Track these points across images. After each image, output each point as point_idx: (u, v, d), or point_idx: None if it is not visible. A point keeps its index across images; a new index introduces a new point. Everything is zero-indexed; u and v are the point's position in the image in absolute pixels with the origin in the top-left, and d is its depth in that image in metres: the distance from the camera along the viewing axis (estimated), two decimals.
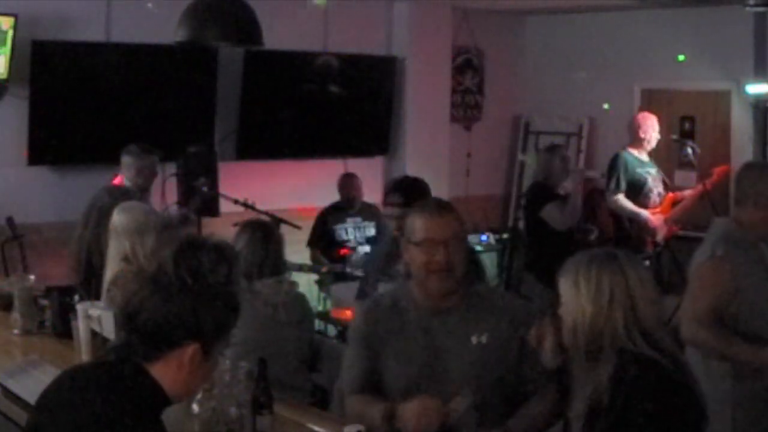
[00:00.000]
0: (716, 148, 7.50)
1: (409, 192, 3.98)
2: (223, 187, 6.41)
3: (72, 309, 3.71)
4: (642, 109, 7.66)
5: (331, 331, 5.66)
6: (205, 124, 6.77)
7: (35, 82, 5.95)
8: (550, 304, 2.58)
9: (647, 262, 6.11)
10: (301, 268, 6.23)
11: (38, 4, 5.94)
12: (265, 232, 4.12)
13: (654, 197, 6.53)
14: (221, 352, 2.20)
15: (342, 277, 6.17)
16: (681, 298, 3.67)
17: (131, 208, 3.95)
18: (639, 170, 6.51)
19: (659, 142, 6.70)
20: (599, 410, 2.31)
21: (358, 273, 5.58)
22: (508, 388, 2.94)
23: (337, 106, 7.38)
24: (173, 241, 3.46)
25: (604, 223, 7.36)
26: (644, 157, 6.60)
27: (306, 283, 6.04)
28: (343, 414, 3.09)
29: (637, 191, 6.48)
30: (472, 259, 3.99)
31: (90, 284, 4.17)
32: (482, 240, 7.87)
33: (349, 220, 6.99)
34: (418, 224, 2.91)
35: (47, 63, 5.99)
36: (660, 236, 6.45)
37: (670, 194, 6.63)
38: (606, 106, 8.29)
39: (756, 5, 5.43)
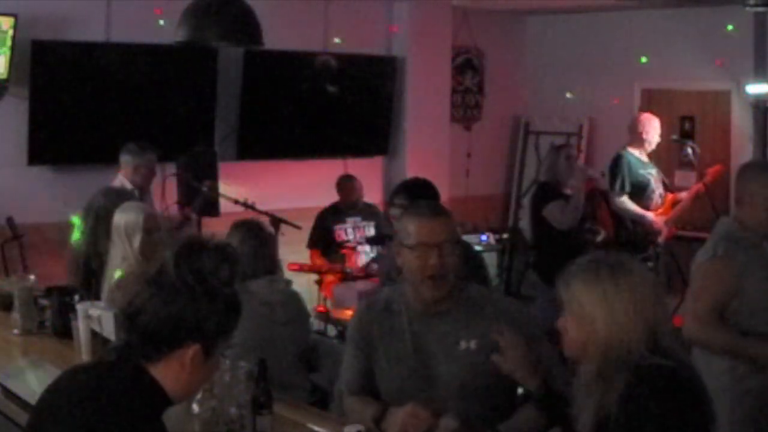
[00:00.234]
0: (716, 148, 7.50)
1: (414, 193, 3.92)
2: (224, 187, 6.41)
3: (72, 309, 3.70)
4: (642, 109, 7.66)
5: (331, 331, 5.66)
6: (205, 124, 6.77)
7: (35, 82, 5.94)
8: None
9: (649, 263, 6.09)
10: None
11: (38, 4, 5.93)
12: (257, 231, 4.09)
13: (656, 198, 6.50)
14: (222, 353, 2.20)
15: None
16: (681, 298, 3.68)
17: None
18: (642, 171, 6.47)
19: (659, 143, 6.69)
20: (607, 422, 2.26)
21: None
22: (498, 397, 2.87)
23: (337, 106, 7.38)
24: (173, 242, 3.47)
25: (604, 224, 7.34)
26: (645, 157, 6.58)
27: (306, 283, 6.05)
28: (343, 414, 3.09)
29: (640, 192, 6.43)
30: (476, 261, 3.98)
31: (90, 285, 4.18)
32: (482, 240, 7.86)
33: (348, 220, 6.98)
34: (411, 228, 2.86)
35: (47, 63, 5.98)
36: (661, 237, 6.44)
37: (670, 195, 6.62)
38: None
39: (756, 5, 5.42)
